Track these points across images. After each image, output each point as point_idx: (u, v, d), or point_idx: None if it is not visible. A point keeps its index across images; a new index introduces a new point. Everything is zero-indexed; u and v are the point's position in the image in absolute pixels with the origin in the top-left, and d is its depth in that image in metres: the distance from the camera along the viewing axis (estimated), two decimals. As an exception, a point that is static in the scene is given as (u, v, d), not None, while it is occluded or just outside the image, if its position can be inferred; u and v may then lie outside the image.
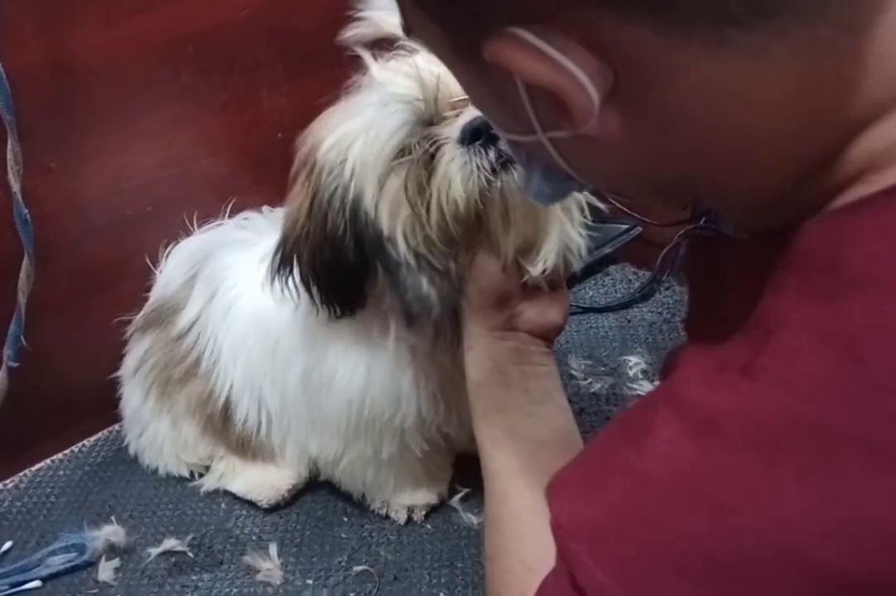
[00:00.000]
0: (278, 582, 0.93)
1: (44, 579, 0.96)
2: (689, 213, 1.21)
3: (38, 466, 1.13)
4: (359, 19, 0.71)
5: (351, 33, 0.72)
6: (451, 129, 0.71)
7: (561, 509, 0.47)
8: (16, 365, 1.02)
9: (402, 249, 0.72)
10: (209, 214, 1.11)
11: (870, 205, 0.37)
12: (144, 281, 1.11)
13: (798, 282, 0.39)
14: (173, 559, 0.97)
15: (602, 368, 1.20)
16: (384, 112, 0.72)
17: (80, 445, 1.17)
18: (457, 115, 0.71)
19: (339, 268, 0.76)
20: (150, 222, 1.13)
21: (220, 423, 1.01)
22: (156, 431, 1.06)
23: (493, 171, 0.70)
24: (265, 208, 1.06)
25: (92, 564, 0.97)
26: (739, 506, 0.37)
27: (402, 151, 0.72)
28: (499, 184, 0.70)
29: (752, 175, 0.42)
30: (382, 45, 0.74)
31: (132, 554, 0.98)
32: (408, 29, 0.45)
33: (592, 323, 1.31)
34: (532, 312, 0.74)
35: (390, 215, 0.72)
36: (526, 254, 0.74)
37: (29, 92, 0.97)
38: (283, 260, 0.81)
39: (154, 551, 0.97)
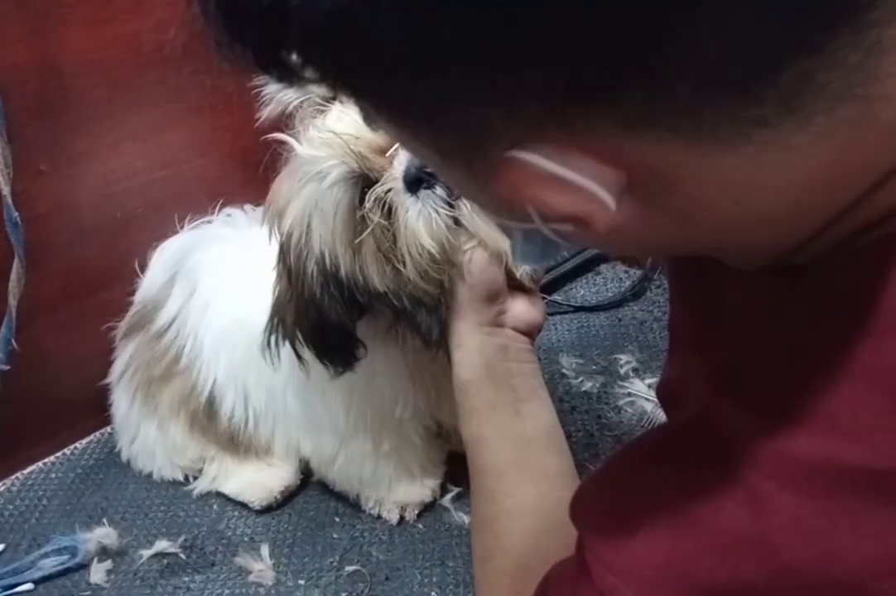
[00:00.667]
0: (270, 583, 0.93)
1: (36, 582, 0.96)
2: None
3: (30, 468, 1.13)
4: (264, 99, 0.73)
5: (265, 115, 0.74)
6: (392, 181, 0.72)
7: (597, 540, 0.46)
8: (7, 368, 1.01)
9: (395, 301, 0.73)
10: (200, 216, 1.11)
11: None
12: (136, 283, 1.10)
13: (830, 320, 0.38)
14: (165, 561, 0.97)
15: (593, 367, 1.20)
16: (323, 188, 0.72)
17: (71, 447, 1.16)
18: (389, 163, 0.72)
19: (326, 327, 0.77)
20: (141, 224, 1.13)
21: (205, 419, 1.01)
22: (146, 436, 1.06)
23: (450, 205, 0.71)
24: (247, 207, 1.06)
25: (84, 567, 0.97)
26: (794, 548, 0.37)
27: (357, 214, 0.73)
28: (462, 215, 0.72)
29: (772, 240, 0.41)
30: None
31: (124, 556, 0.98)
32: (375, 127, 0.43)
33: (584, 322, 1.31)
34: (518, 308, 0.75)
35: (378, 275, 0.73)
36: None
37: (18, 94, 0.97)
38: (275, 326, 0.81)
39: (146, 553, 0.97)
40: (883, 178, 0.37)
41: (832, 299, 0.39)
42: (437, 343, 0.76)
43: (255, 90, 0.75)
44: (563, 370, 1.20)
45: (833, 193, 0.38)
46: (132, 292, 1.10)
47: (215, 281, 0.98)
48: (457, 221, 0.72)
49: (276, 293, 0.80)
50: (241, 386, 0.96)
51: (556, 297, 1.36)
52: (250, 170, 1.22)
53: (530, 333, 0.76)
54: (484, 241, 0.73)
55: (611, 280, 1.40)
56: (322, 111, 0.74)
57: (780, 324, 0.41)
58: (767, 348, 0.41)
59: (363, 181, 0.72)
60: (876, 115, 0.35)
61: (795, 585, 0.37)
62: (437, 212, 0.71)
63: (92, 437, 1.17)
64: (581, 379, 1.18)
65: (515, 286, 0.76)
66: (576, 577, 0.47)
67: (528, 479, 0.65)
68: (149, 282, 1.07)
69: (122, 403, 1.07)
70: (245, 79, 1.16)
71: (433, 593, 0.90)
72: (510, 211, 0.41)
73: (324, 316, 0.76)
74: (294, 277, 0.76)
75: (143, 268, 1.10)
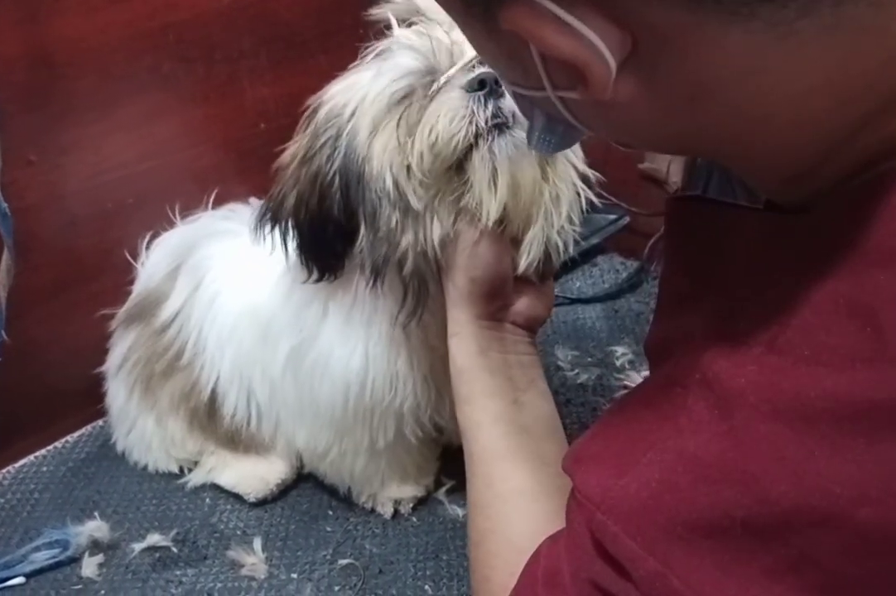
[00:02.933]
0: (263, 576, 0.93)
1: (27, 576, 0.95)
2: (683, 181, 1.21)
3: (21, 462, 1.12)
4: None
5: (379, 9, 0.75)
6: (457, 79, 0.72)
7: (587, 481, 0.48)
8: (-3, 360, 1.01)
9: (387, 183, 0.72)
10: (192, 206, 1.09)
11: (893, 180, 0.37)
12: (127, 274, 1.09)
13: (821, 256, 0.39)
14: (157, 554, 0.97)
15: (589, 359, 1.20)
16: (394, 59, 0.73)
17: (63, 440, 1.16)
18: (467, 71, 0.72)
19: (322, 221, 0.76)
20: (132, 214, 1.12)
21: (206, 417, 1.00)
22: (143, 429, 1.05)
23: (486, 122, 0.70)
24: (252, 200, 1.04)
25: (76, 560, 0.96)
26: (774, 476, 0.37)
27: (406, 97, 0.73)
28: (488, 139, 0.71)
29: (780, 148, 0.42)
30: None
31: (116, 549, 0.98)
32: None
33: (580, 314, 1.31)
34: (521, 304, 0.75)
35: (381, 152, 0.72)
36: (515, 241, 0.74)
37: (8, 83, 0.96)
38: (270, 210, 0.80)
39: (138, 547, 0.97)
40: (883, 105, 0.38)
41: (824, 237, 0.39)
42: (395, 274, 0.75)
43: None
44: (559, 362, 1.19)
45: (836, 111, 0.38)
46: (124, 283, 1.09)
47: (222, 276, 0.96)
48: (479, 140, 0.71)
49: (287, 173, 0.78)
50: (246, 382, 0.94)
51: (553, 288, 1.35)
52: (243, 159, 1.21)
53: (530, 326, 0.76)
54: (477, 194, 0.72)
55: (607, 272, 1.39)
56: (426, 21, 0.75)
57: (773, 263, 0.42)
58: (761, 287, 0.42)
59: (432, 70, 0.73)
60: (884, 23, 0.36)
61: (773, 513, 0.37)
62: (472, 114, 0.70)
63: (83, 430, 1.17)
64: (577, 371, 1.17)
65: (522, 278, 0.75)
66: (567, 525, 0.48)
67: (524, 464, 0.65)
68: (149, 273, 1.05)
69: (119, 394, 1.06)
70: (237, 68, 1.16)
71: (427, 586, 0.90)
72: (522, 69, 0.42)
73: (324, 206, 0.75)
74: (309, 152, 0.76)
75: (135, 257, 1.09)
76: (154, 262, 1.06)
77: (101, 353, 1.09)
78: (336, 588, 0.91)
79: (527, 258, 0.74)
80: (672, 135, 0.43)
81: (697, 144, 0.45)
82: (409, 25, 0.75)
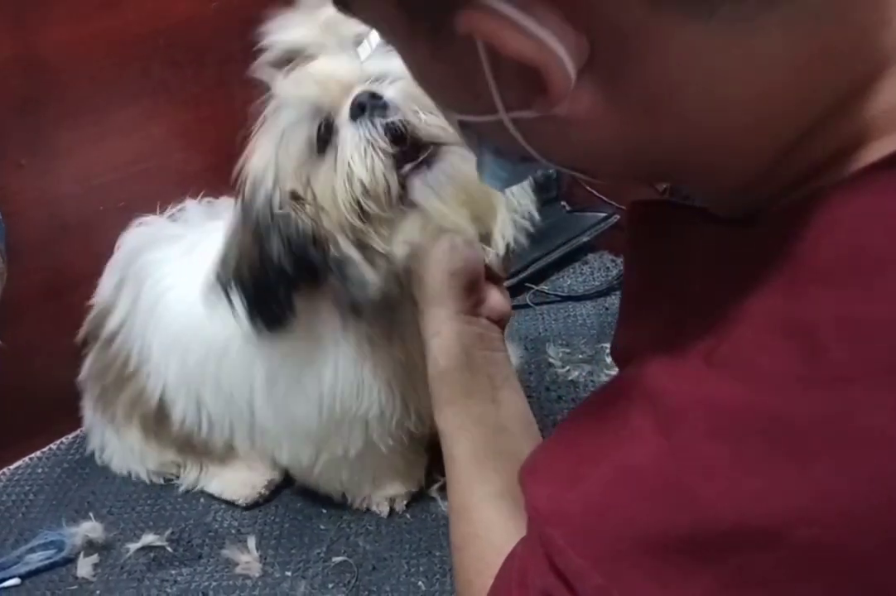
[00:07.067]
0: (257, 574, 0.93)
1: (23, 577, 0.96)
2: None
3: (16, 464, 1.13)
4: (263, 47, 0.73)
5: (261, 61, 0.73)
6: (343, 112, 0.72)
7: (537, 494, 0.47)
8: (-10, 364, 1.01)
9: (343, 247, 0.73)
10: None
11: (836, 193, 0.37)
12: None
13: (759, 270, 0.39)
14: (152, 554, 0.97)
15: (580, 356, 1.20)
16: (287, 122, 0.73)
17: (57, 442, 1.16)
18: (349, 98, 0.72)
19: (266, 274, 0.76)
20: (124, 218, 1.12)
21: (156, 424, 0.99)
22: (110, 443, 1.06)
23: (387, 142, 0.70)
24: (206, 199, 1.05)
25: (71, 561, 0.97)
26: (712, 495, 0.37)
27: (314, 147, 0.73)
28: (412, 163, 0.71)
29: (736, 154, 0.41)
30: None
31: (111, 550, 0.98)
32: (345, 3, 0.42)
33: (570, 311, 1.31)
34: (492, 300, 0.76)
35: (319, 212, 0.73)
36: (484, 236, 0.75)
37: (-1, 88, 0.96)
38: (217, 275, 0.80)
39: (133, 547, 0.97)
40: (838, 104, 0.37)
41: (765, 251, 0.39)
42: (376, 308, 0.76)
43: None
44: (550, 359, 1.19)
45: (794, 109, 0.38)
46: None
47: (161, 284, 0.95)
48: (404, 183, 0.71)
49: (227, 231, 0.79)
50: (195, 393, 0.93)
51: (543, 286, 1.36)
52: (233, 162, 1.21)
53: (501, 322, 0.77)
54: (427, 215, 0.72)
55: (597, 269, 1.39)
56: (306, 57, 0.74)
57: (720, 274, 0.42)
58: (708, 298, 0.41)
59: (324, 112, 0.73)
60: (844, 13, 0.35)
61: (711, 532, 0.37)
62: (373, 141, 0.69)
63: (78, 431, 1.17)
64: (568, 368, 1.18)
65: (486, 276, 0.76)
66: (526, 535, 0.48)
67: (504, 465, 0.65)
68: (103, 285, 1.04)
69: (87, 410, 1.08)
70: (227, 72, 1.17)
71: (420, 583, 0.90)
72: (472, 91, 0.40)
73: (265, 257, 0.75)
74: (246, 212, 0.76)
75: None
76: (106, 273, 1.04)
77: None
78: (330, 585, 0.91)
79: (503, 241, 0.76)
80: (631, 150, 0.42)
81: (655, 162, 0.44)
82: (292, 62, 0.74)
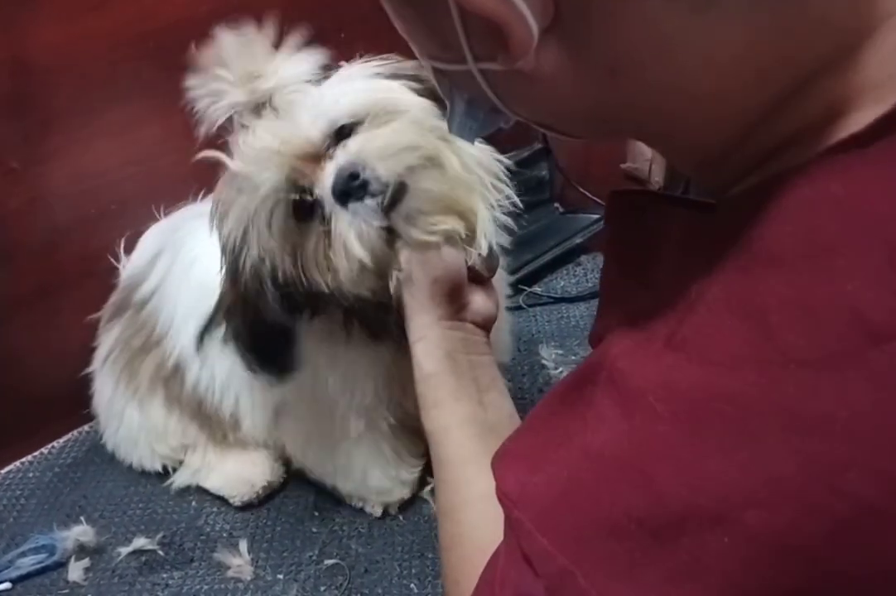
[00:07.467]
0: (249, 577, 0.93)
1: (14, 581, 0.95)
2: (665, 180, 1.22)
3: (7, 468, 1.13)
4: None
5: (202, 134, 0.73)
6: (323, 190, 0.72)
7: (505, 478, 0.48)
8: (-19, 367, 1.01)
9: (342, 300, 0.75)
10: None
11: (793, 177, 0.37)
12: (111, 279, 1.10)
13: (719, 255, 0.39)
14: (143, 558, 0.97)
15: (573, 357, 1.20)
16: (256, 200, 0.72)
17: (49, 446, 1.16)
18: (321, 169, 0.72)
19: (260, 328, 0.78)
20: (115, 220, 1.12)
21: (177, 386, 1.00)
22: (130, 421, 1.05)
23: (380, 218, 0.71)
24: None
25: (62, 565, 0.96)
26: (667, 477, 0.37)
27: (292, 222, 0.73)
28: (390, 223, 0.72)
29: (698, 124, 0.42)
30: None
31: (102, 554, 0.98)
32: None
33: (564, 313, 1.31)
34: (476, 303, 0.76)
35: (321, 277, 0.74)
36: (467, 239, 0.76)
37: (-12, 91, 0.96)
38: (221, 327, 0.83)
39: (124, 550, 0.97)
40: (800, 83, 0.38)
41: (724, 236, 0.39)
42: (396, 338, 0.76)
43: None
44: (543, 361, 1.19)
45: (755, 82, 0.39)
46: (108, 288, 1.09)
47: (192, 253, 0.97)
48: (390, 231, 0.72)
49: (220, 293, 0.81)
50: (205, 354, 0.95)
51: (537, 288, 1.35)
52: (224, 166, 1.21)
53: (486, 325, 0.77)
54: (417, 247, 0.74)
55: (591, 271, 1.39)
56: (248, 126, 0.73)
57: (686, 260, 0.42)
58: (673, 283, 0.42)
59: (295, 189, 0.72)
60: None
61: (666, 514, 0.37)
62: (367, 223, 0.71)
63: (69, 435, 1.17)
64: (561, 369, 1.17)
65: (471, 278, 0.76)
66: (503, 529, 0.48)
67: (487, 467, 0.65)
68: (133, 263, 1.06)
69: (106, 388, 1.06)
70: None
71: (412, 585, 0.90)
72: (442, 39, 0.41)
73: (260, 317, 0.77)
74: (233, 279, 0.77)
75: (119, 262, 1.09)
76: (139, 251, 1.07)
77: (86, 358, 1.09)
78: (322, 588, 0.91)
79: (486, 241, 0.76)
80: (594, 109, 0.43)
81: (620, 121, 0.45)
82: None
